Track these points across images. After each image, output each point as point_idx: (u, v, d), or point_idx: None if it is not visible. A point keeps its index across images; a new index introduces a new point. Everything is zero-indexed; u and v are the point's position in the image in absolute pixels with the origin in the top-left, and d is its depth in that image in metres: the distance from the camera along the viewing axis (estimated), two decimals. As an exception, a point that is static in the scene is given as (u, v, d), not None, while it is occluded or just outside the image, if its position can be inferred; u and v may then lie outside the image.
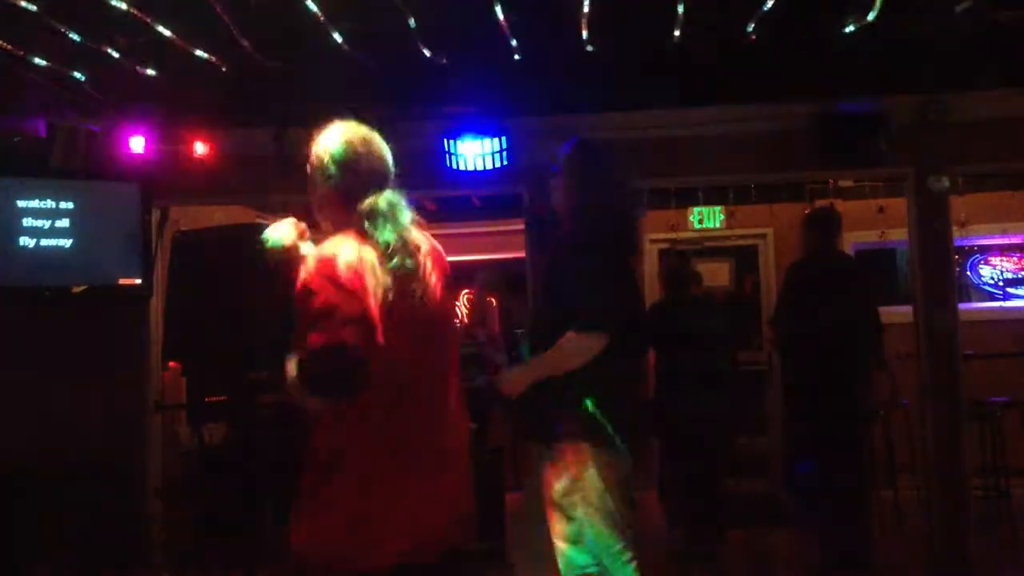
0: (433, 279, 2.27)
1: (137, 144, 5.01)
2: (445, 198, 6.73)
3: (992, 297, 7.85)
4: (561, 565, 2.87)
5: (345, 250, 2.12)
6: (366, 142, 2.28)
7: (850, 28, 3.98)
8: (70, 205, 4.83)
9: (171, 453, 5.50)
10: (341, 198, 2.25)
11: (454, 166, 5.07)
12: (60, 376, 5.07)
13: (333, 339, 2.01)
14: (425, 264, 2.25)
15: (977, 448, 5.45)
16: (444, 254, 2.39)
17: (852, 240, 7.64)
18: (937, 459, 4.98)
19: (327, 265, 2.09)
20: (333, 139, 2.28)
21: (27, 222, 4.71)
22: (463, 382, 2.37)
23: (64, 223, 4.81)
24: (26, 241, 4.71)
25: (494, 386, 3.03)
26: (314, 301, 2.05)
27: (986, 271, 7.88)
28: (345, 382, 2.05)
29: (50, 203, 4.78)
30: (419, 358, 2.21)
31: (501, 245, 7.73)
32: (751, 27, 3.97)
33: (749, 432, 6.27)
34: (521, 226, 5.46)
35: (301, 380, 2.07)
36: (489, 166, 5.07)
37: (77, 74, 4.40)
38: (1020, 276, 7.83)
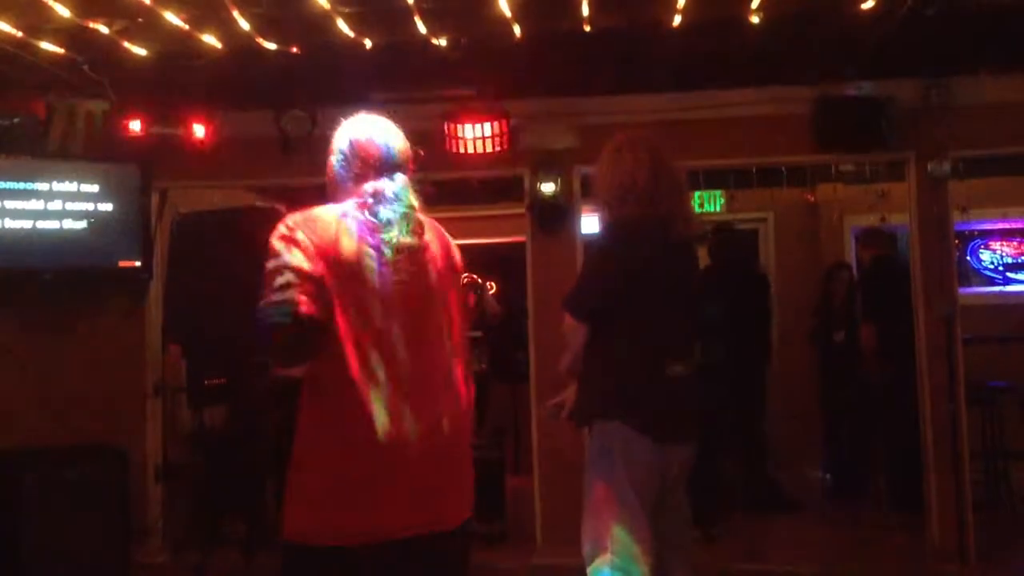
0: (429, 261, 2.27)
1: (136, 126, 5.00)
2: (445, 181, 6.71)
3: (992, 282, 7.84)
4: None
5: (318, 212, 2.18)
6: (368, 133, 2.32)
7: (852, 12, 3.96)
8: (69, 187, 4.82)
9: (171, 436, 5.51)
10: (339, 182, 2.33)
11: (454, 149, 5.05)
12: (60, 359, 5.08)
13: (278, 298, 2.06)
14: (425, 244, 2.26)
15: (976, 432, 5.46)
16: (450, 242, 2.39)
17: (852, 224, 7.64)
18: (935, 443, 4.99)
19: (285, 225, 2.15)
20: (342, 130, 2.36)
21: (25, 204, 4.71)
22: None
23: (63, 205, 4.81)
24: (24, 223, 4.71)
25: None
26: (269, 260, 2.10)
27: (986, 256, 7.87)
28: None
29: (48, 185, 4.77)
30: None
31: (501, 229, 7.70)
32: (753, 10, 3.94)
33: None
34: (522, 210, 5.45)
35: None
36: (490, 149, 5.05)
37: (77, 55, 4.38)
38: (1020, 261, 7.82)
